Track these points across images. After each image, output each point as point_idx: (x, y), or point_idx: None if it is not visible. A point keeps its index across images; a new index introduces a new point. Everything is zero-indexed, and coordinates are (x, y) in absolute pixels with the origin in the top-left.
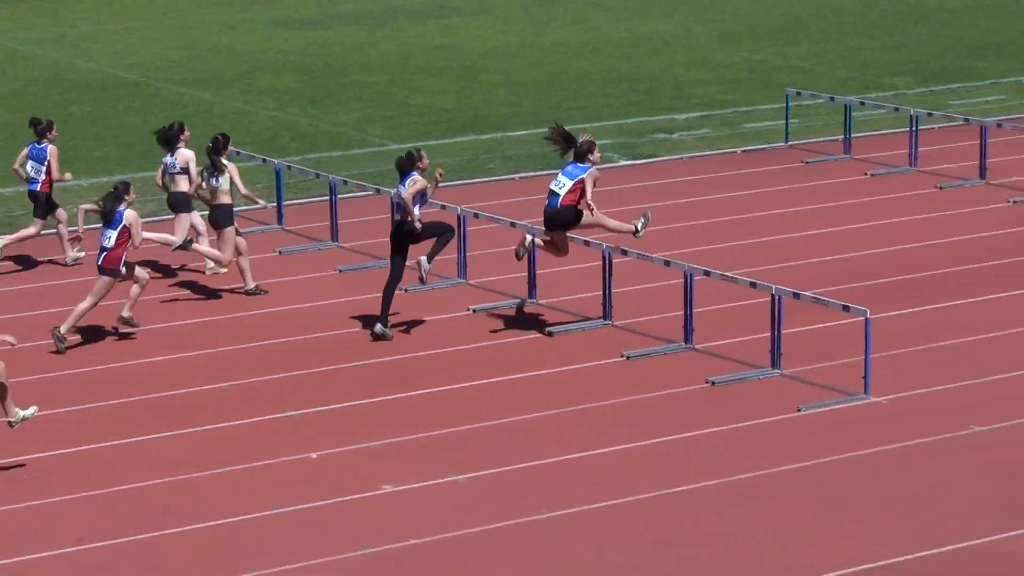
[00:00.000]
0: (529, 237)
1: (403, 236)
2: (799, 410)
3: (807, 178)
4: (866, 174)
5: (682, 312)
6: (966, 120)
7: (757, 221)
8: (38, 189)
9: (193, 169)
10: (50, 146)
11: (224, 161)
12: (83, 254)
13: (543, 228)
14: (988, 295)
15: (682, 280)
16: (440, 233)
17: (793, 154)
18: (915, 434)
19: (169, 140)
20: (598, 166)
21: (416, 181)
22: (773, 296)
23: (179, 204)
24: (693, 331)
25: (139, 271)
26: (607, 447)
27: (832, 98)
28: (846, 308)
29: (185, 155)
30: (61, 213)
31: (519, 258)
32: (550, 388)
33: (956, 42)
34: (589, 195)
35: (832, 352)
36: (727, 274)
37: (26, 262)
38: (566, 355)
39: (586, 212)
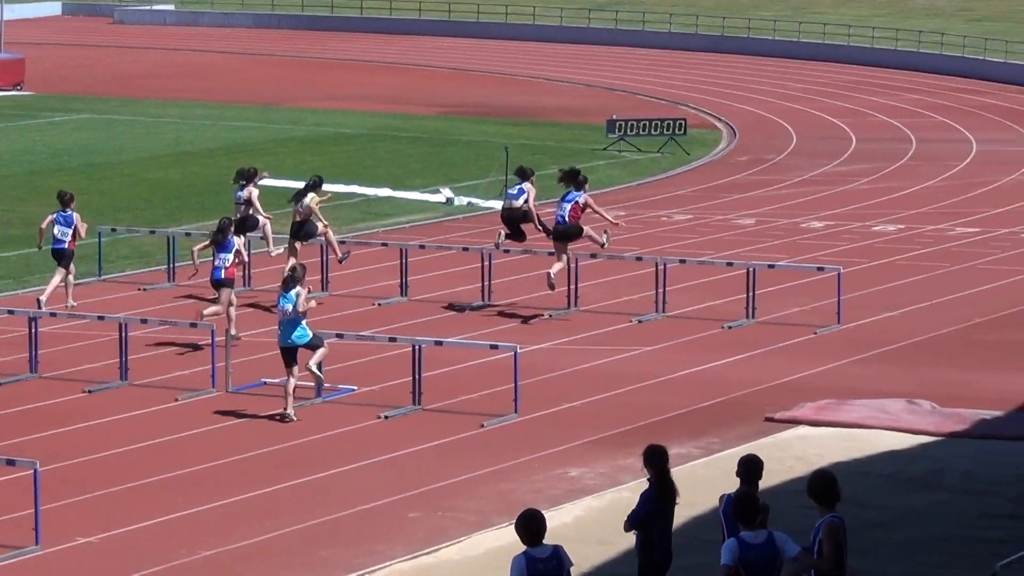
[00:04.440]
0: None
1: (513, 219)
2: None
3: None
4: None
5: None
6: None
7: None
8: (65, 247)
9: (255, 200)
10: (75, 214)
11: (310, 194)
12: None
13: None
14: None
15: None
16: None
17: None
18: None
19: (247, 176)
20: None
21: (529, 189)
22: None
23: (251, 226)
24: None
25: (226, 292)
26: None
27: None
28: None
29: (250, 190)
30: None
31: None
32: None
33: None
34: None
35: None
36: None
37: None
38: None
39: None
